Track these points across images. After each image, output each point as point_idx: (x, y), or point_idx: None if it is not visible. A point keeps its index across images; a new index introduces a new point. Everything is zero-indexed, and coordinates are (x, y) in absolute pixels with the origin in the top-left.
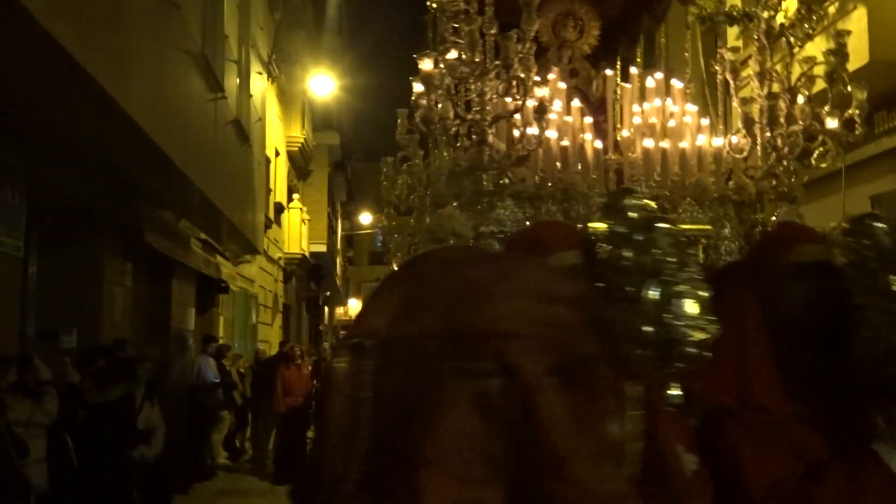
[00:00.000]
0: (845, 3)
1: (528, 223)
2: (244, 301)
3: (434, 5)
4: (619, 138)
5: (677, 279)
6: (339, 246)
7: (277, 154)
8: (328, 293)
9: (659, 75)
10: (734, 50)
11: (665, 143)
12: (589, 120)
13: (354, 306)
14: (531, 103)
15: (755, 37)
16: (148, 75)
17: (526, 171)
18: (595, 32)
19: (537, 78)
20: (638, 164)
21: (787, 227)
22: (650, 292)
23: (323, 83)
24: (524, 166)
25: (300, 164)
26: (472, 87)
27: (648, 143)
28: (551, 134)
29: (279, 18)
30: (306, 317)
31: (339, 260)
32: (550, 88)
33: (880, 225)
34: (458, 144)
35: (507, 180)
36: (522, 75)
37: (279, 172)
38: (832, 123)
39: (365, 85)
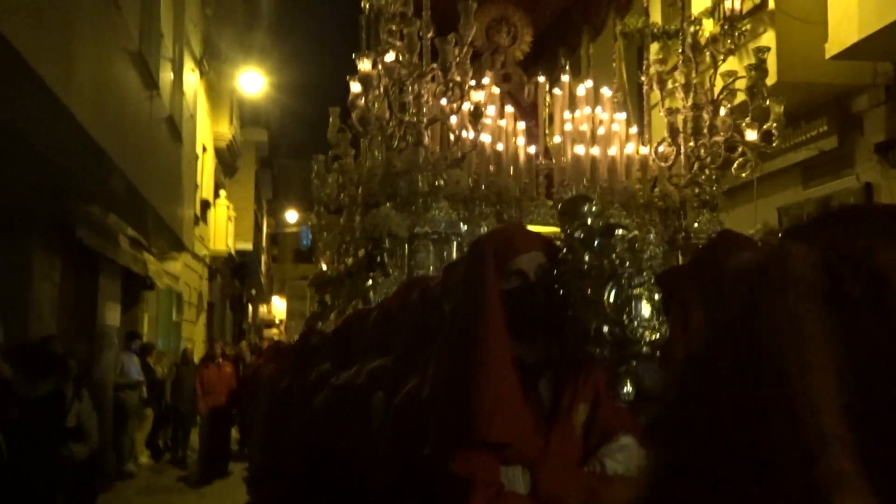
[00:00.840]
0: (756, 27)
1: (462, 225)
2: (169, 298)
3: (367, 6)
4: (549, 144)
5: (633, 283)
6: (264, 244)
7: (205, 150)
8: (253, 291)
9: (589, 83)
10: (661, 62)
11: (595, 150)
12: (522, 125)
13: (278, 305)
14: (467, 107)
15: (680, 50)
16: (89, 72)
17: (460, 174)
18: (528, 39)
19: (473, 82)
20: (568, 169)
21: (724, 235)
22: (608, 295)
23: (252, 80)
24: (459, 168)
25: (227, 160)
26: (409, 88)
27: (579, 149)
28: (485, 138)
29: (210, 15)
30: (230, 315)
31: (264, 258)
32: (486, 93)
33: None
34: (395, 145)
35: (442, 182)
36: (459, 79)
37: (206, 169)
38: (752, 135)
39: (294, 82)
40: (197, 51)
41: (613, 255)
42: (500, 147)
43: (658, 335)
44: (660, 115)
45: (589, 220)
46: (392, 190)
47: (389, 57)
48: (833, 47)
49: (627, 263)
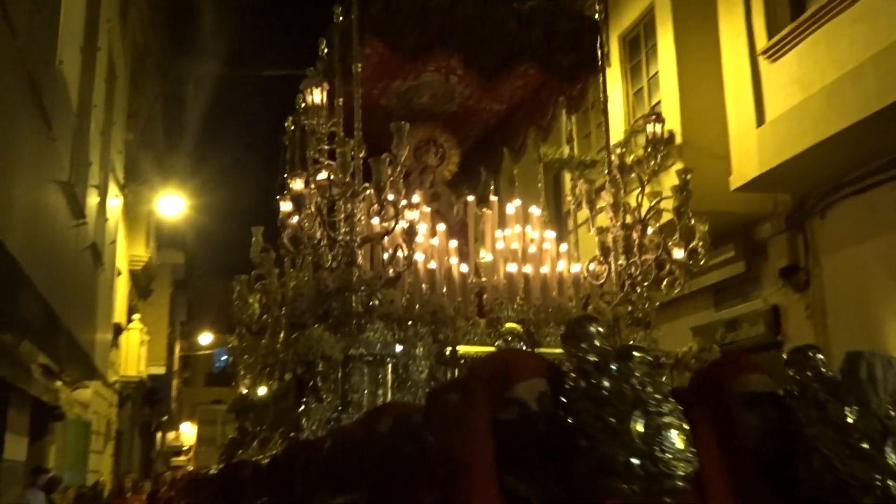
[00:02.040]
0: (665, 159)
1: (397, 346)
2: (77, 428)
3: (292, 126)
4: (478, 262)
5: (663, 410)
6: (176, 367)
7: (119, 273)
8: (164, 417)
9: (517, 202)
10: (588, 182)
11: (528, 268)
12: (454, 243)
13: (187, 430)
14: (400, 225)
15: (606, 171)
16: (24, 202)
17: (394, 293)
18: (455, 159)
19: (405, 201)
20: (501, 287)
21: (730, 357)
22: (635, 424)
23: (171, 203)
24: (393, 288)
25: (142, 283)
26: (342, 207)
27: (511, 267)
28: (418, 256)
29: (132, 139)
30: (139, 443)
31: (175, 382)
32: (419, 212)
33: (820, 356)
34: (328, 265)
35: (376, 302)
36: (393, 198)
37: (120, 292)
38: (679, 254)
39: (212, 204)
40: (120, 176)
41: (634, 380)
42: (433, 265)
43: (692, 468)
44: (587, 234)
45: (597, 342)
46: (322, 310)
47: (321, 176)
48: (736, 180)
49: (650, 388)
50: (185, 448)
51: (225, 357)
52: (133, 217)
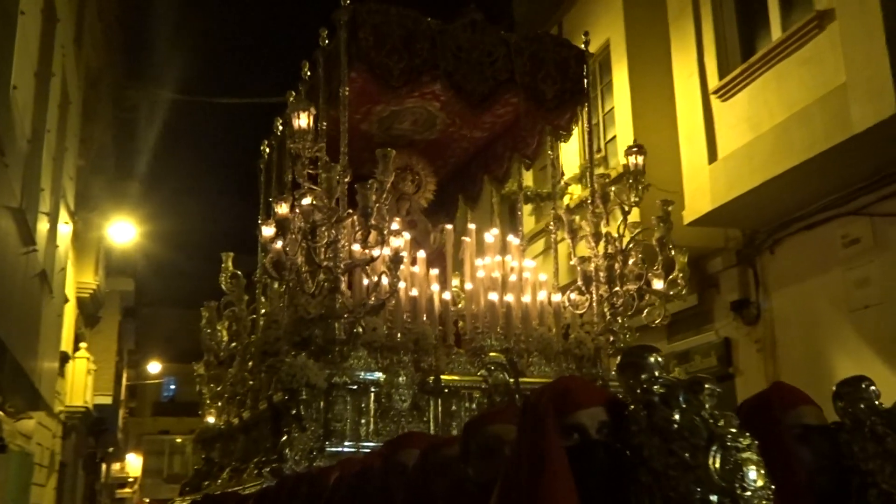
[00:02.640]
0: (620, 193)
1: (380, 374)
2: (19, 460)
3: (268, 151)
4: (454, 291)
5: (740, 445)
6: (122, 396)
7: (66, 301)
8: (109, 449)
9: (495, 231)
10: (569, 211)
11: (509, 297)
12: (435, 271)
13: (133, 462)
14: (383, 252)
15: (590, 201)
16: None
17: (377, 321)
18: (431, 187)
19: (392, 227)
20: (481, 316)
21: (782, 388)
22: (713, 459)
23: (122, 230)
24: (375, 315)
25: (90, 311)
26: (325, 233)
27: (493, 296)
28: (400, 284)
29: (83, 165)
30: (83, 475)
31: (121, 412)
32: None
33: (873, 388)
34: (312, 291)
35: (360, 329)
36: (376, 223)
37: (67, 320)
38: (658, 284)
39: (163, 230)
40: (71, 203)
41: (705, 413)
42: (414, 293)
43: None
44: (565, 263)
45: (656, 373)
46: (300, 338)
47: (306, 201)
48: (689, 214)
49: (722, 422)
50: (130, 480)
51: (173, 386)
52: (82, 243)
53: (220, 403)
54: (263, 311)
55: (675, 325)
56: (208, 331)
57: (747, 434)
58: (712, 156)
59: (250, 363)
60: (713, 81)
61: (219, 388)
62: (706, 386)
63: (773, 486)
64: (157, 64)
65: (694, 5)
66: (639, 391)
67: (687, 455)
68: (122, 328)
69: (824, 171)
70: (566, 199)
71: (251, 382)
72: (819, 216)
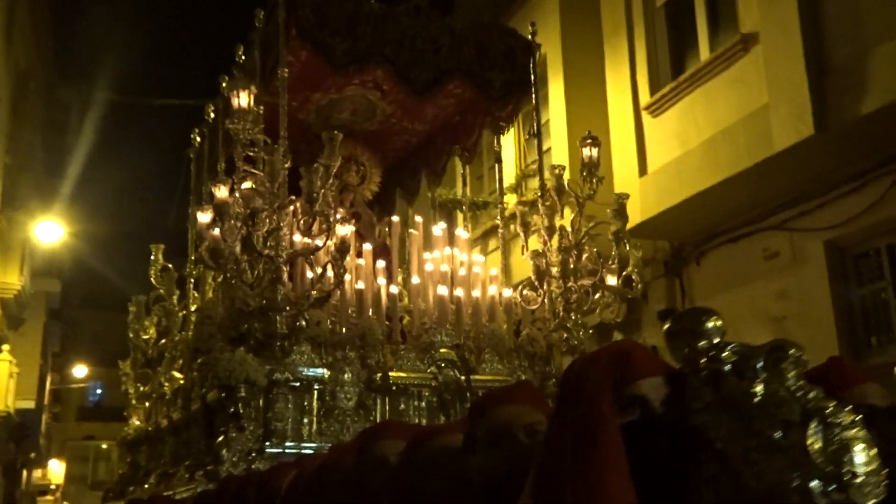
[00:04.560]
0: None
1: (324, 371)
2: None
3: (198, 139)
4: (397, 285)
5: (843, 421)
6: (46, 401)
7: None
8: (31, 455)
9: (443, 225)
10: (523, 204)
11: (459, 292)
12: (381, 263)
13: (55, 468)
14: (328, 242)
15: (540, 194)
16: None
17: (321, 314)
18: (377, 179)
19: (337, 215)
20: (430, 312)
21: (840, 364)
22: (812, 439)
23: (49, 230)
24: (319, 308)
25: (14, 312)
26: (265, 220)
27: (442, 290)
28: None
29: (9, 163)
30: (2, 482)
31: (45, 416)
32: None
33: None
34: (251, 282)
35: (303, 323)
36: (321, 210)
37: None
38: (612, 280)
39: (92, 231)
40: None
41: (790, 384)
42: (360, 286)
43: (884, 495)
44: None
45: (716, 340)
46: (237, 333)
47: (246, 185)
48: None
49: (814, 394)
50: (52, 487)
51: (99, 391)
52: (7, 243)
53: (147, 404)
54: (195, 306)
55: (607, 332)
56: (136, 327)
57: (849, 409)
58: (643, 169)
59: (180, 361)
60: (644, 97)
61: (146, 388)
62: (789, 351)
63: (886, 470)
64: (89, 62)
65: (628, 24)
66: (703, 360)
67: (777, 434)
68: (48, 330)
69: (748, 186)
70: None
71: (181, 382)
72: (742, 230)
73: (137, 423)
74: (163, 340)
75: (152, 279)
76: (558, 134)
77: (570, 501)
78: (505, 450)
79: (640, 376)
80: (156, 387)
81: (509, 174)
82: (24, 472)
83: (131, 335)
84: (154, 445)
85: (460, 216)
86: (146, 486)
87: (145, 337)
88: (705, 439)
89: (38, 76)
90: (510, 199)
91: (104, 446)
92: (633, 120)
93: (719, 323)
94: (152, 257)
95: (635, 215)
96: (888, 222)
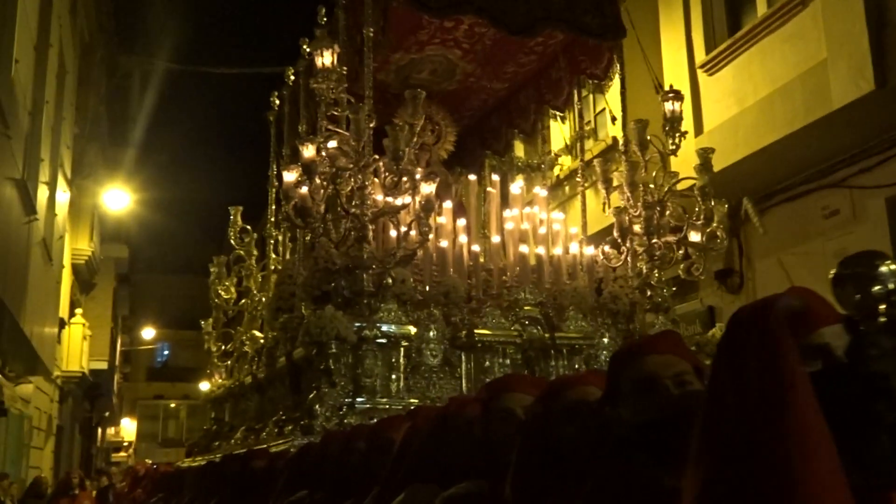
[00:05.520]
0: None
1: (411, 328)
2: (18, 423)
3: (278, 103)
4: (476, 244)
5: None
6: (117, 362)
7: (63, 267)
8: (105, 413)
9: (521, 183)
10: (604, 160)
11: (541, 250)
12: (462, 222)
13: (128, 426)
14: (414, 199)
15: (623, 149)
16: None
17: (405, 272)
18: (451, 138)
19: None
20: (511, 269)
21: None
22: None
23: (117, 197)
24: (404, 267)
25: (85, 277)
26: (351, 179)
27: (523, 249)
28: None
29: (78, 133)
30: (79, 439)
31: (116, 377)
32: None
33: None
34: (340, 240)
35: (390, 281)
36: (410, 168)
37: (63, 287)
38: (695, 237)
39: (157, 198)
40: (68, 171)
41: None
42: (443, 244)
43: None
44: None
45: (891, 285)
46: (320, 291)
47: (332, 144)
48: (681, 184)
49: None
50: (125, 444)
51: (167, 352)
52: (77, 211)
53: (228, 362)
54: (274, 266)
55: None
56: (217, 287)
57: None
58: (699, 128)
59: (260, 320)
60: (700, 56)
61: (227, 347)
62: None
63: None
64: (150, 32)
65: None
66: (884, 305)
67: None
68: (117, 294)
69: (806, 144)
70: (556, 171)
71: (262, 340)
72: (801, 188)
73: (220, 380)
74: (243, 300)
75: (231, 240)
76: (613, 93)
77: (757, 486)
78: (652, 400)
79: (821, 324)
80: (237, 345)
81: (560, 139)
82: (99, 430)
83: (213, 296)
84: (238, 402)
85: (519, 175)
86: (232, 441)
87: (226, 297)
88: (885, 388)
89: (102, 47)
90: (564, 162)
91: (172, 405)
92: (689, 78)
93: (893, 267)
94: (231, 218)
95: (691, 175)
96: None
